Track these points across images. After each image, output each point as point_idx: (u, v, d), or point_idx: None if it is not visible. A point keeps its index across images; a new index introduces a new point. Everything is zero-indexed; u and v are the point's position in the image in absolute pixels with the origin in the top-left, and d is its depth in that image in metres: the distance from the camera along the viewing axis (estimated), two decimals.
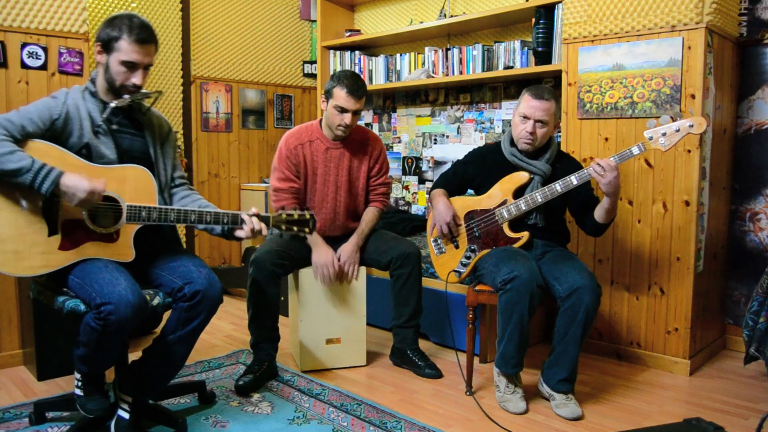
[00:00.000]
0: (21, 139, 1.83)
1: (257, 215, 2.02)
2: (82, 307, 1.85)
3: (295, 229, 2.09)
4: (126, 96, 1.96)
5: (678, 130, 2.20)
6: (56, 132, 1.91)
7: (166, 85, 4.03)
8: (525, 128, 2.39)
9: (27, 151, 1.82)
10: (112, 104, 1.96)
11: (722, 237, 2.99)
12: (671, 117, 2.22)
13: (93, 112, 1.98)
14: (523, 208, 2.40)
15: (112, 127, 2.01)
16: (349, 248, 2.70)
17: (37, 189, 1.77)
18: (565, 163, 2.49)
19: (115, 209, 1.91)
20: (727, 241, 3.04)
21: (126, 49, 1.92)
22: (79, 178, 1.79)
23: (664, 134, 2.22)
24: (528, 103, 2.38)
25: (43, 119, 1.89)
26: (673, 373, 2.73)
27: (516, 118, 2.43)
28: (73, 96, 1.98)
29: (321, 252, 2.66)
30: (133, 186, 1.94)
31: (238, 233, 2.01)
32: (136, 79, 1.96)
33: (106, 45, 1.94)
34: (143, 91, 2.00)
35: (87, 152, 1.94)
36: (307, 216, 2.10)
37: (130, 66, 1.94)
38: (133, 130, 2.07)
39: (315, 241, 2.68)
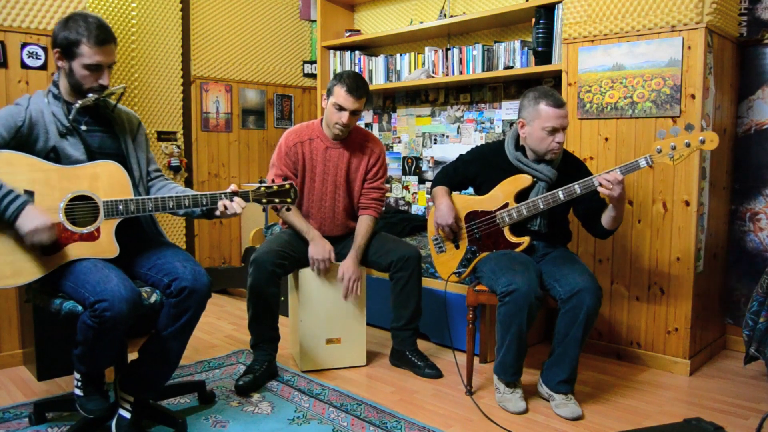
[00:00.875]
0: None
1: (236, 192, 2.02)
2: (80, 308, 1.85)
3: (277, 200, 2.10)
4: (90, 95, 1.96)
5: (688, 145, 2.15)
6: (22, 139, 1.91)
7: (166, 85, 4.03)
8: (554, 140, 2.31)
9: None
10: (77, 104, 1.96)
11: (722, 237, 2.99)
12: (684, 128, 2.17)
13: (58, 115, 1.97)
14: (525, 213, 2.38)
15: (80, 128, 2.01)
16: (349, 264, 2.68)
17: (1, 213, 1.77)
18: (572, 167, 2.45)
19: (93, 207, 1.92)
20: (727, 241, 3.04)
21: (88, 52, 1.90)
22: (40, 215, 1.79)
23: (673, 147, 2.17)
24: (553, 114, 2.28)
25: (8, 128, 1.89)
26: (673, 373, 2.73)
27: (540, 132, 2.31)
28: (36, 101, 1.98)
29: (318, 246, 2.66)
30: (107, 182, 1.94)
31: (216, 212, 2.03)
32: (102, 80, 1.96)
33: (66, 51, 1.92)
34: (108, 88, 2.00)
35: (54, 155, 1.94)
36: (287, 186, 2.11)
37: (95, 68, 1.93)
38: (102, 128, 2.07)
39: (312, 235, 2.68)
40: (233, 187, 2.03)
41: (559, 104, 2.31)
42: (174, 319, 1.97)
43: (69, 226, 1.89)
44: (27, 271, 1.84)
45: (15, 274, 1.83)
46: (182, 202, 1.98)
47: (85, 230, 1.91)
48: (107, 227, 1.93)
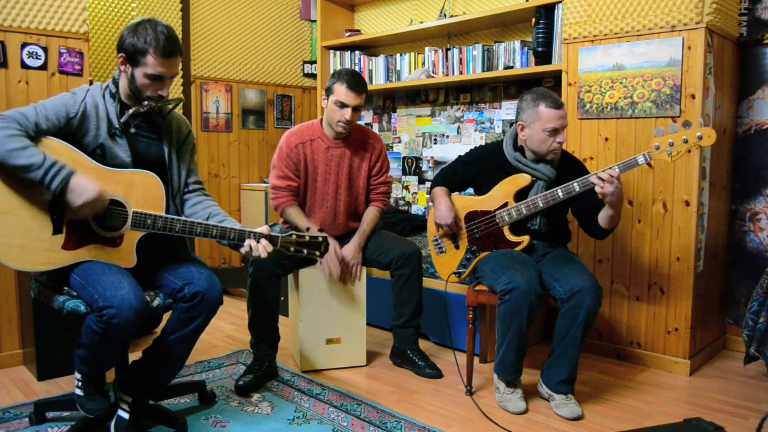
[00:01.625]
0: (34, 135, 1.82)
1: (266, 236, 1.97)
2: (83, 308, 1.85)
3: (305, 252, 2.02)
4: (146, 102, 1.95)
5: (686, 141, 2.16)
6: (72, 130, 1.90)
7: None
8: (556, 140, 2.32)
9: (39, 148, 1.80)
10: (131, 110, 1.95)
11: (722, 237, 2.99)
12: (681, 125, 2.17)
13: (111, 114, 1.96)
14: (524, 212, 2.39)
15: (129, 131, 2.00)
16: (351, 249, 2.70)
17: (46, 186, 1.76)
18: (571, 166, 2.46)
19: (121, 214, 1.91)
20: (727, 241, 3.04)
21: (152, 63, 1.89)
22: (89, 181, 1.78)
23: (671, 144, 2.17)
24: (553, 115, 2.29)
25: (59, 116, 1.87)
26: (673, 373, 2.73)
27: (541, 133, 2.32)
28: (93, 94, 1.96)
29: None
30: (141, 192, 1.92)
31: (241, 249, 1.98)
32: (162, 91, 1.95)
33: (131, 57, 1.90)
34: (165, 99, 1.99)
35: (101, 152, 1.93)
36: (320, 239, 2.03)
37: (157, 79, 1.92)
38: (150, 134, 2.05)
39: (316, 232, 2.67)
40: (264, 228, 1.98)
41: (559, 105, 2.32)
42: (184, 324, 1.96)
43: (94, 227, 1.88)
44: (43, 260, 1.84)
45: (29, 260, 1.82)
46: (210, 232, 1.94)
47: (109, 235, 1.90)
48: (131, 237, 1.92)
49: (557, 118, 2.30)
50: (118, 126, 1.96)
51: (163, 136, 2.08)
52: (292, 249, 2.01)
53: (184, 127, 2.17)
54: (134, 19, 1.95)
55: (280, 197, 2.70)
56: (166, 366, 2.03)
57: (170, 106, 2.05)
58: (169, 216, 1.93)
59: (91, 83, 2.08)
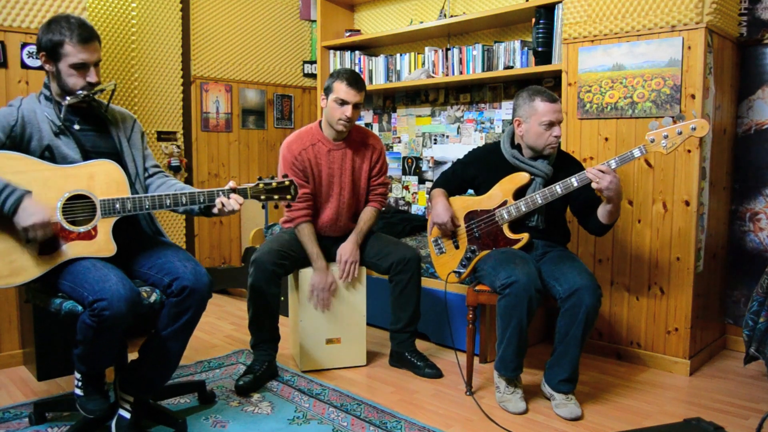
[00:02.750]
0: None
1: (234, 189, 2.01)
2: (80, 307, 1.85)
3: (276, 197, 2.07)
4: (79, 92, 1.96)
5: (680, 133, 2.18)
6: (17, 139, 1.92)
7: (166, 85, 4.03)
8: (552, 134, 2.35)
9: None
10: (66, 100, 1.96)
11: (722, 237, 2.99)
12: (673, 118, 2.20)
13: (50, 115, 1.98)
14: (523, 209, 2.39)
15: (74, 128, 2.01)
16: (349, 246, 2.70)
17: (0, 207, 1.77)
18: (567, 164, 2.48)
19: (90, 206, 1.92)
20: (727, 241, 3.04)
21: (72, 52, 1.91)
22: (39, 205, 1.80)
23: (666, 136, 2.20)
24: (549, 108, 2.33)
25: (2, 128, 1.90)
26: (673, 373, 2.73)
27: (537, 127, 2.35)
28: (28, 102, 1.99)
29: (322, 276, 2.65)
30: (103, 180, 1.94)
31: (214, 210, 2.02)
32: (90, 77, 1.96)
33: (51, 53, 1.93)
34: (98, 84, 2.00)
35: (50, 154, 1.95)
36: (287, 182, 2.08)
37: (81, 67, 1.94)
38: (95, 128, 2.07)
39: (319, 265, 2.66)
40: (231, 183, 2.02)
41: (553, 99, 2.37)
42: (174, 319, 1.97)
43: (66, 225, 1.89)
44: (25, 270, 1.85)
45: (13, 273, 1.83)
46: (179, 199, 1.97)
47: (82, 229, 1.91)
48: (104, 226, 1.93)
49: (553, 112, 2.35)
50: (59, 124, 1.97)
51: (111, 127, 2.10)
52: (263, 197, 2.06)
53: (127, 116, 2.20)
54: (46, 19, 1.98)
55: (296, 209, 2.67)
56: (163, 361, 2.04)
57: (106, 92, 2.06)
58: (136, 196, 1.95)
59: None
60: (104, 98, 2.14)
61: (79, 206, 1.92)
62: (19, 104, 1.97)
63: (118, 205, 1.92)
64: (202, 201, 2.00)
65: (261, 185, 2.06)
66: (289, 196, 2.09)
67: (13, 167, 1.85)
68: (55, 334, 2.59)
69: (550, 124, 2.35)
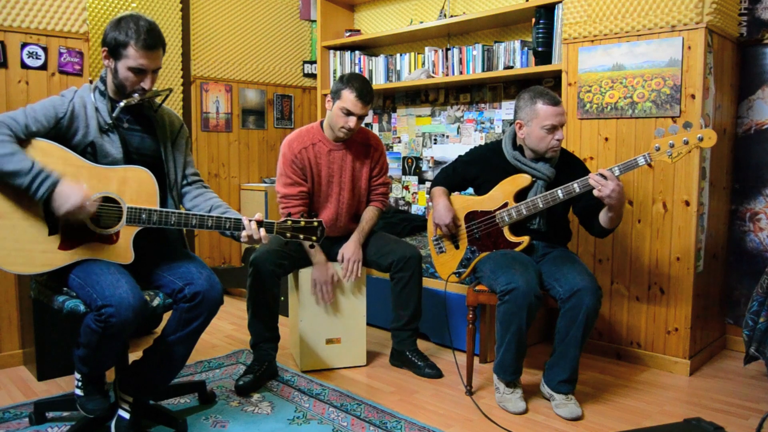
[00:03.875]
0: (25, 138, 1.83)
1: (260, 222, 1.98)
2: (82, 307, 1.85)
3: (301, 236, 2.03)
4: (136, 95, 1.96)
5: (686, 143, 2.15)
6: (62, 130, 1.91)
7: (166, 85, 4.03)
8: (554, 137, 2.32)
9: (30, 150, 1.82)
10: (122, 103, 1.96)
11: (722, 237, 2.99)
12: (682, 127, 2.17)
13: (101, 111, 1.97)
14: (524, 212, 2.38)
15: (122, 126, 2.01)
16: (351, 246, 2.70)
17: (33, 193, 1.76)
18: (570, 165, 2.46)
19: (116, 211, 1.91)
20: (727, 241, 3.04)
21: (134, 55, 1.90)
22: (74, 190, 1.78)
23: (671, 145, 2.17)
24: (551, 112, 2.30)
25: (48, 118, 1.88)
26: (673, 373, 2.73)
27: (539, 131, 2.32)
28: (81, 94, 1.98)
29: (322, 269, 2.65)
30: (135, 187, 1.93)
31: (240, 238, 2.00)
32: (145, 83, 1.96)
33: (113, 51, 1.92)
34: (153, 89, 2.00)
35: (92, 151, 1.94)
36: (315, 223, 2.04)
37: (139, 71, 1.93)
38: (143, 128, 2.06)
39: (318, 258, 2.66)
40: (258, 216, 1.99)
41: (556, 102, 2.33)
42: (184, 325, 1.97)
43: (90, 225, 1.88)
44: (40, 262, 1.84)
45: (28, 262, 1.83)
46: (205, 223, 1.95)
47: (105, 232, 1.90)
48: (127, 233, 1.92)
49: (555, 115, 2.31)
50: (109, 121, 1.97)
51: (157, 129, 2.09)
52: (288, 235, 2.03)
53: (176, 120, 2.18)
54: (118, 15, 1.97)
55: (291, 206, 2.66)
56: (166, 366, 2.03)
57: (161, 97, 2.06)
58: (164, 209, 1.93)
59: (91, 83, 2.09)
60: (157, 101, 2.12)
61: (106, 209, 1.90)
62: (71, 96, 1.95)
63: (144, 216, 1.91)
64: (227, 227, 1.97)
65: (289, 222, 2.03)
66: (314, 238, 2.05)
67: (48, 159, 1.83)
68: (55, 334, 2.59)
69: (553, 128, 2.32)
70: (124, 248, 1.92)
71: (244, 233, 1.97)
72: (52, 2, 2.73)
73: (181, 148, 2.15)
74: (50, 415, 2.21)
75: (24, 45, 2.69)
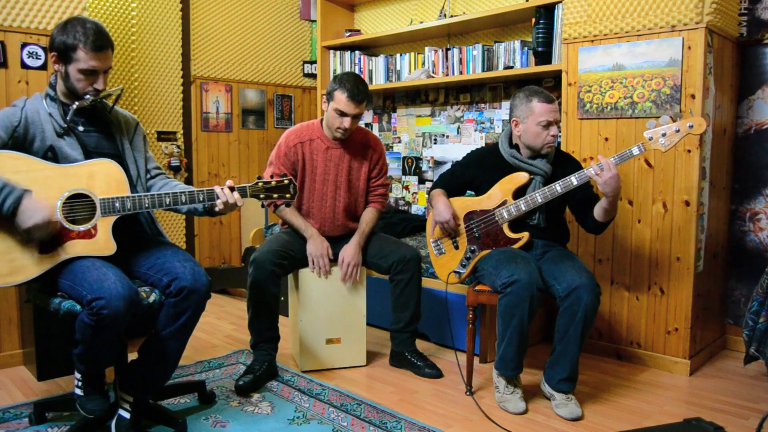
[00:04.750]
0: None
1: (232, 187, 2.01)
2: (78, 307, 1.85)
3: (275, 195, 2.07)
4: (87, 97, 1.97)
5: (678, 131, 2.21)
6: (19, 139, 1.92)
7: (166, 85, 4.03)
8: (549, 133, 2.38)
9: None
10: (74, 106, 1.97)
11: (722, 237, 2.99)
12: (671, 117, 2.22)
13: (54, 115, 1.98)
14: (523, 208, 2.40)
15: (77, 129, 2.02)
16: (351, 249, 2.70)
17: None
18: (566, 162, 2.49)
19: (89, 205, 1.92)
20: (727, 241, 3.04)
21: (83, 58, 1.91)
22: (40, 204, 1.79)
23: (663, 134, 2.22)
24: (546, 108, 2.36)
25: (5, 128, 1.90)
26: (673, 373, 2.73)
27: (535, 127, 2.37)
28: (33, 102, 2.00)
29: (316, 242, 2.67)
30: (103, 179, 1.95)
31: (216, 209, 2.02)
32: (97, 84, 1.97)
33: (63, 55, 1.93)
34: (105, 90, 2.00)
35: (52, 155, 1.95)
36: (286, 181, 2.08)
37: (90, 73, 1.94)
38: (98, 129, 2.08)
39: (310, 233, 2.69)
40: (230, 182, 2.02)
41: (550, 100, 2.39)
42: (173, 319, 1.97)
43: (66, 224, 1.89)
44: (25, 269, 1.85)
45: (13, 272, 1.83)
46: (179, 198, 1.98)
47: (82, 228, 1.91)
48: (104, 225, 1.93)
49: (550, 112, 2.37)
50: (64, 125, 1.97)
51: (113, 129, 2.10)
52: (262, 196, 2.06)
53: (131, 119, 2.20)
54: (63, 19, 1.97)
55: None
56: (163, 361, 2.04)
57: (112, 97, 2.07)
58: (136, 195, 1.95)
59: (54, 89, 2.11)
60: (110, 101, 2.14)
61: (79, 205, 1.92)
62: (23, 104, 1.97)
63: (117, 204, 1.92)
64: (201, 199, 2.00)
65: (260, 184, 2.07)
66: (288, 195, 2.09)
67: (13, 167, 1.85)
68: (55, 334, 2.59)
69: (548, 124, 2.37)
70: (104, 240, 1.93)
71: (219, 201, 1.99)
72: (52, 2, 2.73)
73: (139, 145, 2.17)
74: (50, 415, 2.21)
75: (24, 45, 2.69)
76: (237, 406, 2.34)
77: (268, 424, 2.18)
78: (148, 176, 2.17)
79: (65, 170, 1.92)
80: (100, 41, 1.93)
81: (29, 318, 2.60)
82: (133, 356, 2.13)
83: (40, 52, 2.73)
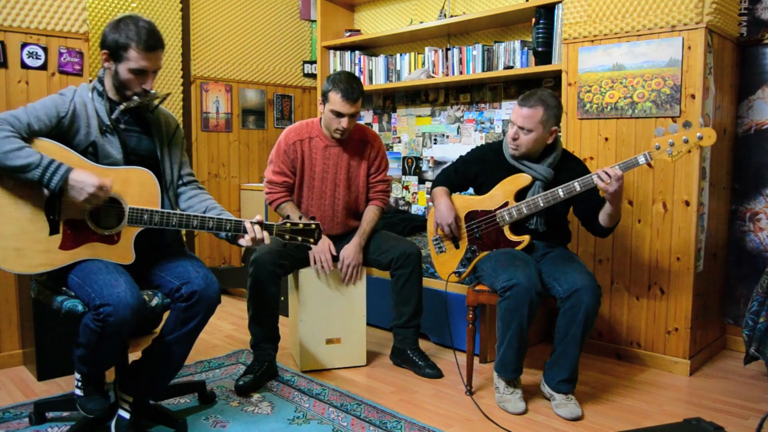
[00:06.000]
0: (27, 137, 1.83)
1: (260, 223, 1.99)
2: (80, 307, 1.85)
3: (300, 239, 2.06)
4: (135, 97, 1.96)
5: (686, 141, 2.17)
6: (63, 129, 1.91)
7: (166, 85, 4.03)
8: (510, 133, 2.42)
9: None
10: (122, 106, 1.96)
11: (722, 237, 2.99)
12: (682, 125, 2.18)
13: (100, 111, 1.97)
14: (525, 211, 2.39)
15: (119, 127, 2.01)
16: (352, 249, 2.69)
17: (45, 184, 1.77)
18: (571, 166, 2.47)
19: (118, 211, 1.91)
20: (727, 241, 3.04)
21: (135, 57, 1.90)
22: (87, 174, 1.80)
23: (671, 144, 2.18)
24: (514, 109, 2.40)
25: (50, 116, 1.88)
26: (673, 373, 2.73)
27: (510, 129, 2.44)
28: (81, 94, 1.98)
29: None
30: (137, 188, 1.93)
31: (240, 241, 2.01)
32: (146, 85, 1.96)
33: (114, 53, 1.92)
34: (152, 92, 2.00)
35: (93, 151, 1.94)
36: (313, 226, 2.07)
37: (140, 73, 1.94)
38: (140, 129, 2.06)
39: None
40: (258, 217, 2.00)
41: (522, 104, 2.37)
42: (182, 324, 1.96)
43: (91, 226, 1.89)
44: (41, 261, 1.84)
45: (27, 262, 1.83)
46: (206, 224, 1.96)
47: (106, 232, 1.90)
48: (128, 234, 1.92)
49: (514, 112, 2.40)
50: (109, 123, 1.97)
51: (153, 130, 2.09)
52: (287, 237, 2.05)
53: (171, 121, 2.19)
54: (116, 16, 1.96)
55: (275, 192, 2.72)
56: (166, 366, 2.03)
57: (158, 100, 2.06)
58: (166, 210, 1.94)
59: (91, 82, 2.10)
60: (156, 103, 2.13)
61: (107, 209, 1.91)
62: (72, 96, 1.95)
63: (146, 217, 1.91)
64: (227, 229, 1.98)
65: (288, 225, 2.05)
66: (311, 240, 2.07)
67: (54, 155, 1.83)
68: (55, 334, 2.59)
69: (518, 128, 2.38)
70: (125, 248, 1.92)
71: (247, 237, 1.97)
72: (52, 2, 2.73)
73: (176, 148, 2.16)
74: (50, 415, 2.21)
75: (24, 45, 2.69)
76: (237, 406, 2.34)
77: (268, 424, 2.18)
78: (180, 182, 2.15)
79: (101, 171, 1.90)
80: (153, 41, 1.93)
81: (29, 318, 2.60)
82: (134, 356, 2.13)
83: (40, 52, 2.73)
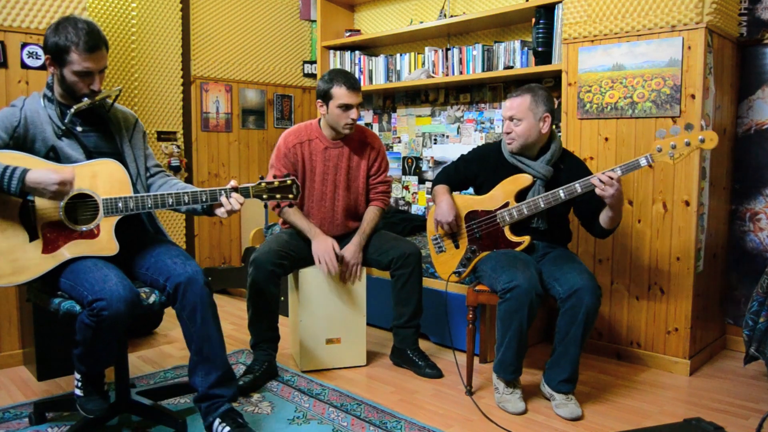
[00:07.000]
0: None
1: (236, 188, 2.00)
2: (78, 307, 1.85)
3: (278, 196, 2.07)
4: (85, 99, 1.95)
5: (688, 144, 2.16)
6: (20, 139, 1.92)
7: (166, 85, 4.03)
8: (503, 129, 2.43)
9: None
10: (72, 109, 1.96)
11: (722, 237, 2.98)
12: (684, 128, 2.18)
13: (53, 117, 1.97)
14: (525, 212, 2.39)
15: (76, 130, 2.01)
16: (352, 249, 2.70)
17: (5, 190, 1.76)
18: (570, 164, 2.47)
19: (92, 205, 1.92)
20: (727, 241, 3.04)
21: (77, 60, 1.89)
22: (44, 171, 1.78)
23: (673, 146, 2.18)
24: (503, 107, 2.41)
25: (5, 129, 1.89)
26: (673, 373, 2.73)
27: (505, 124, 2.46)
28: (31, 102, 1.98)
29: (320, 240, 2.66)
30: (106, 179, 1.94)
31: (216, 211, 2.01)
32: (94, 85, 1.95)
33: (56, 57, 1.91)
34: (101, 91, 1.98)
35: (54, 155, 1.95)
36: (289, 182, 2.07)
37: (85, 75, 1.93)
38: (97, 128, 2.07)
39: (314, 232, 2.68)
40: (233, 183, 2.01)
41: (510, 96, 2.41)
42: (190, 321, 1.95)
43: (69, 225, 1.89)
44: (27, 269, 1.85)
45: (16, 272, 1.83)
46: (182, 198, 1.97)
47: (85, 228, 1.91)
48: (107, 225, 1.93)
49: (503, 107, 2.43)
50: (62, 127, 1.97)
51: (112, 128, 2.09)
52: (265, 196, 2.05)
53: (130, 117, 2.19)
54: (55, 20, 1.96)
55: None
56: (216, 347, 2.00)
57: (110, 99, 2.06)
58: (139, 195, 1.95)
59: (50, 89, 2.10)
60: (108, 101, 2.13)
61: (81, 205, 1.91)
62: (21, 105, 1.96)
63: (120, 204, 1.92)
64: (204, 200, 1.99)
65: (263, 184, 2.06)
66: (291, 195, 2.08)
67: (19, 164, 1.82)
68: (55, 334, 2.59)
69: (509, 121, 2.41)
70: (107, 240, 1.93)
71: (222, 210, 1.98)
72: (52, 2, 2.73)
73: (138, 143, 2.16)
74: (50, 415, 2.21)
75: (24, 45, 2.69)
76: (237, 406, 2.34)
77: (268, 424, 2.18)
78: (148, 174, 2.17)
79: (64, 168, 1.90)
80: (93, 41, 1.91)
81: (29, 318, 2.60)
82: (133, 356, 2.13)
83: (40, 52, 2.73)
